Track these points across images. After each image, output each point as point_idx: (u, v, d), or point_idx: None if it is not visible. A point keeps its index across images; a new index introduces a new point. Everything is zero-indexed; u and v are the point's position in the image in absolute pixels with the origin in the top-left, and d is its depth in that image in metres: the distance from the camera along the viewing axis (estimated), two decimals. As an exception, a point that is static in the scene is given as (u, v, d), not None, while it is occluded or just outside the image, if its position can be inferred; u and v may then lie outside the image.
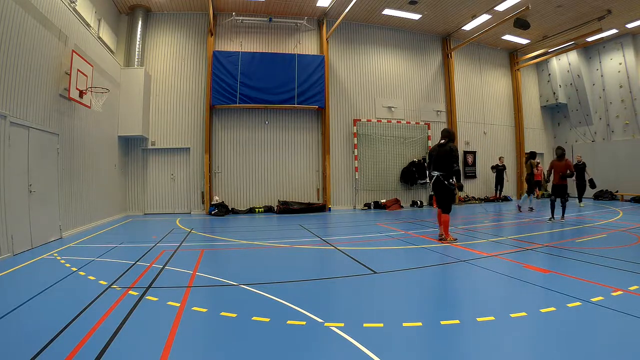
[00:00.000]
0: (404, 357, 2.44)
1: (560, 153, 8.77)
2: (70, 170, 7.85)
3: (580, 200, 12.60)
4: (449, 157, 6.13)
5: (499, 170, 14.70)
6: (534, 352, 2.47)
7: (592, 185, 12.40)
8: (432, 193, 6.80)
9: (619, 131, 15.16)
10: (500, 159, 14.97)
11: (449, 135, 6.39)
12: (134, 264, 5.01)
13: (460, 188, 6.42)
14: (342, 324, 2.89)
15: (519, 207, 11.48)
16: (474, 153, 15.63)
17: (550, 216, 8.78)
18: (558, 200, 8.75)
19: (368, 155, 13.65)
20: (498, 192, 14.85)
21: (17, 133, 5.89)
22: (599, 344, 2.55)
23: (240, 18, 12.61)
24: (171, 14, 12.49)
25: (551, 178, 9.12)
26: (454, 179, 6.20)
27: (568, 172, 8.43)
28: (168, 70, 12.40)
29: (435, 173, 6.29)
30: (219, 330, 2.92)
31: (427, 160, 6.90)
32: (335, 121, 13.47)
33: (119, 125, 10.98)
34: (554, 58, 16.47)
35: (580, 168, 12.48)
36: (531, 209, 11.33)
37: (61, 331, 2.77)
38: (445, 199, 6.28)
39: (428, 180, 6.71)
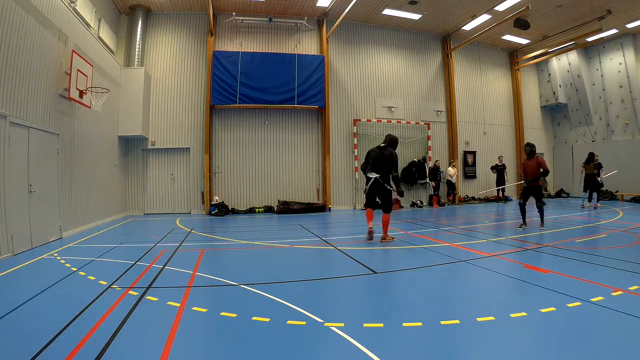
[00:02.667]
0: (404, 357, 2.44)
1: (529, 150, 7.77)
2: (70, 170, 7.85)
3: (597, 200, 12.39)
4: (389, 162, 6.41)
5: (499, 170, 14.67)
6: (534, 352, 2.47)
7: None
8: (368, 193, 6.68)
9: (619, 131, 15.16)
10: (499, 158, 14.96)
11: (391, 141, 6.60)
12: (134, 264, 5.01)
13: (401, 194, 6.52)
14: (342, 324, 2.89)
15: (582, 206, 11.82)
16: (474, 153, 15.63)
17: (522, 222, 7.86)
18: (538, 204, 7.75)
19: (368, 155, 13.62)
20: (501, 192, 14.80)
21: (17, 133, 5.89)
22: (599, 344, 2.55)
23: (240, 18, 12.61)
24: (171, 14, 12.50)
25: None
26: (393, 185, 6.48)
27: (541, 170, 7.42)
28: (168, 70, 12.40)
29: (374, 175, 6.45)
30: (219, 330, 2.92)
31: (365, 160, 6.78)
32: (335, 121, 13.47)
33: (119, 125, 10.98)
34: (554, 58, 16.47)
35: (597, 167, 12.43)
36: (596, 207, 11.56)
37: (61, 331, 2.77)
38: (388, 200, 6.55)
39: (367, 181, 6.67)
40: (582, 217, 9.72)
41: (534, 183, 7.59)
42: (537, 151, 18.65)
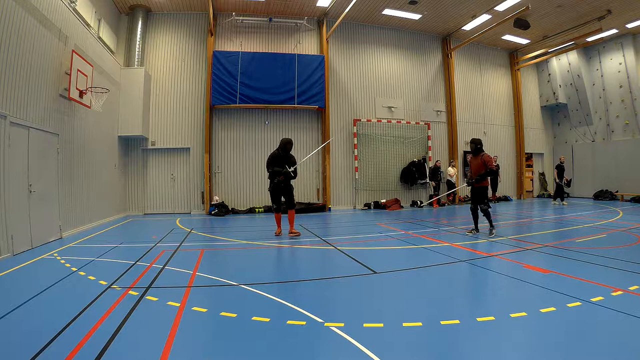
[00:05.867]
0: (404, 357, 2.44)
1: (474, 147, 6.91)
2: (70, 170, 7.85)
3: (562, 199, 13.30)
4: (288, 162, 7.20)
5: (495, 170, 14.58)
6: (533, 352, 2.47)
7: (568, 184, 13.55)
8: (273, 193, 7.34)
9: (619, 131, 15.16)
10: (494, 157, 14.87)
11: (282, 144, 7.18)
12: (134, 264, 5.01)
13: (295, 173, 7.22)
14: (342, 324, 2.89)
15: None
16: (474, 153, 15.59)
17: (473, 227, 7.20)
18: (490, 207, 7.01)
19: (368, 155, 13.65)
20: (494, 192, 14.74)
21: (17, 133, 5.89)
22: (599, 344, 2.55)
23: (240, 18, 12.61)
24: (171, 14, 12.49)
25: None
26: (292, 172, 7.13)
27: (486, 170, 6.65)
28: (168, 70, 12.40)
29: (286, 169, 7.09)
30: (219, 330, 2.92)
31: (273, 160, 7.20)
32: (335, 121, 13.47)
33: (119, 125, 10.98)
34: (554, 58, 16.47)
35: (562, 169, 13.16)
36: None
37: (61, 331, 2.77)
38: (291, 197, 7.34)
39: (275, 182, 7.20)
40: (582, 217, 9.70)
41: (478, 183, 6.81)
42: (538, 152, 18.79)
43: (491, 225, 6.98)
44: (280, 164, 7.10)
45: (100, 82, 8.99)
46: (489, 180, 6.95)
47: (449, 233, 7.54)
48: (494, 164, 6.71)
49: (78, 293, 3.77)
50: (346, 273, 4.64)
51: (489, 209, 6.87)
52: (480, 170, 6.73)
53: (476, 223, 7.16)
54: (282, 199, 7.39)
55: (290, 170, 7.06)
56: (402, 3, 12.40)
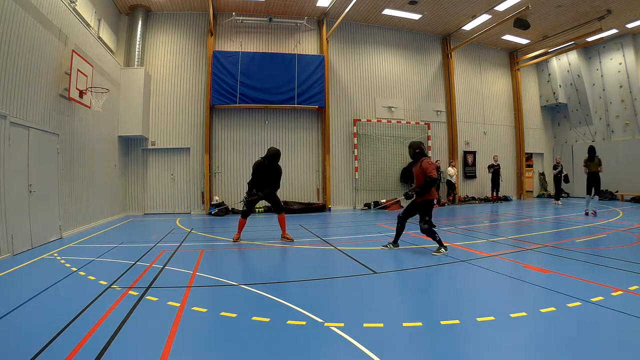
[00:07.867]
0: (404, 357, 2.44)
1: (412, 152, 5.57)
2: (70, 170, 7.85)
3: (557, 199, 13.83)
4: (277, 175, 6.84)
5: (495, 169, 14.60)
6: (533, 352, 2.47)
7: (566, 180, 14.29)
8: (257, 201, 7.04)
9: (619, 131, 15.16)
10: (494, 157, 14.91)
11: (271, 156, 6.75)
12: (134, 264, 5.01)
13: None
14: (342, 324, 2.89)
15: (587, 212, 9.87)
16: (474, 153, 15.62)
17: (393, 240, 5.86)
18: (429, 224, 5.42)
19: (368, 155, 13.65)
20: (495, 192, 14.72)
21: (17, 133, 5.89)
22: (599, 344, 2.55)
23: (240, 18, 12.61)
24: (171, 14, 12.49)
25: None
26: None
27: (426, 180, 5.29)
28: (168, 70, 12.40)
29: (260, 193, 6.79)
30: (219, 330, 2.92)
31: (258, 169, 6.78)
32: (335, 121, 13.47)
33: (119, 125, 10.98)
34: (554, 58, 16.47)
35: (559, 170, 13.82)
36: (594, 212, 9.74)
37: (61, 331, 2.77)
38: (276, 201, 7.00)
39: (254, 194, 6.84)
40: (582, 217, 9.69)
41: (421, 196, 5.43)
42: (538, 152, 18.79)
43: (439, 244, 5.49)
44: (265, 174, 6.78)
45: (100, 82, 8.99)
46: (435, 193, 5.59)
47: (449, 233, 7.53)
48: (435, 170, 5.39)
49: (78, 293, 3.77)
50: (346, 273, 4.64)
51: (433, 228, 5.44)
52: (422, 180, 5.40)
53: (398, 236, 5.91)
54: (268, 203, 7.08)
55: (261, 194, 6.77)
56: (402, 3, 12.39)
